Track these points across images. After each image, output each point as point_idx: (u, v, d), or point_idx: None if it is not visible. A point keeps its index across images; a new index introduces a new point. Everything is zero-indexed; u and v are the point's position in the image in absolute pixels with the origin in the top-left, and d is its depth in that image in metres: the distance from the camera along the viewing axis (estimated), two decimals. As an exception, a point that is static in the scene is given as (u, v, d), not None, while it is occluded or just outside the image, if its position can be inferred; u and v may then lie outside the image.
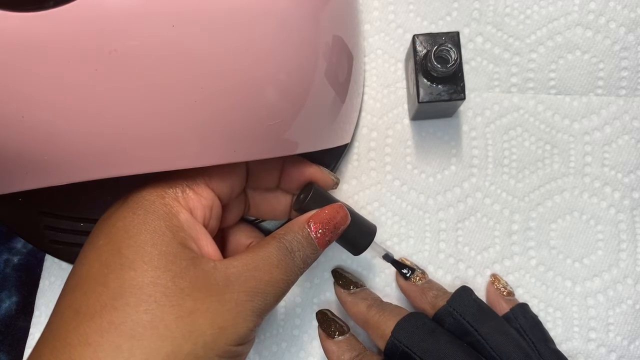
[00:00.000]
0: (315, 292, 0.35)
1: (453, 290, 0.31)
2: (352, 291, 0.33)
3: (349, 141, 0.34)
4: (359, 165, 0.36)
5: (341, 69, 0.28)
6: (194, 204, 0.24)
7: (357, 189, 0.36)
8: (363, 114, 0.37)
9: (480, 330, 0.29)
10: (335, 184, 0.30)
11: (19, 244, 0.38)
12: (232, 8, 0.21)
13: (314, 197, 0.27)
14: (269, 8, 0.22)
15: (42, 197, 0.26)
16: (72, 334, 0.20)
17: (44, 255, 0.37)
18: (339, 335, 0.31)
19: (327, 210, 0.26)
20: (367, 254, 0.30)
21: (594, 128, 0.36)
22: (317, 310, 0.34)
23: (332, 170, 0.34)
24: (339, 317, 0.33)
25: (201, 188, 0.25)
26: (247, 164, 0.28)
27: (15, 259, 0.37)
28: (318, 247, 0.26)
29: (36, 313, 0.36)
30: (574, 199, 0.35)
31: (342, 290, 0.33)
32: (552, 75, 0.36)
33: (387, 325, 0.29)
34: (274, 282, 0.23)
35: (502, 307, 0.32)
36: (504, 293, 0.33)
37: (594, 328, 0.34)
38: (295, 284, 0.25)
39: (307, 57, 0.25)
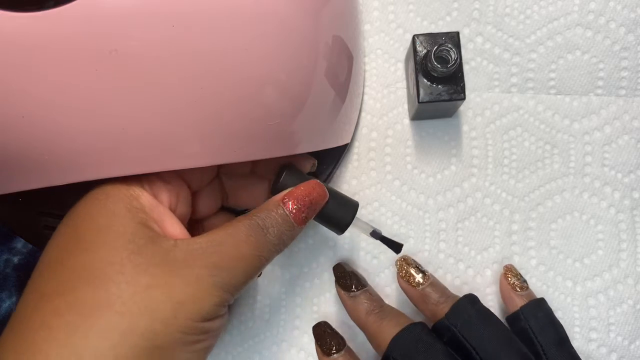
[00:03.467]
0: (315, 292, 0.35)
1: (452, 290, 0.31)
2: (351, 294, 0.32)
3: (349, 141, 0.34)
4: (359, 165, 0.36)
5: (341, 69, 0.28)
6: (159, 189, 0.24)
7: (357, 189, 0.36)
8: (363, 114, 0.37)
9: (478, 347, 0.28)
10: (313, 165, 0.30)
11: (19, 244, 0.38)
12: (232, 8, 0.21)
13: (288, 176, 0.27)
14: (269, 8, 0.22)
15: (42, 197, 0.26)
16: (32, 317, 0.20)
17: (44, 256, 0.37)
18: (336, 352, 0.31)
19: (302, 186, 0.26)
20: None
21: (594, 128, 0.36)
22: (314, 324, 0.33)
23: (332, 170, 0.34)
24: (336, 330, 0.33)
25: (169, 175, 0.25)
26: None
27: (15, 259, 0.37)
28: (294, 224, 0.25)
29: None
30: (574, 198, 0.35)
31: (342, 291, 0.32)
32: (552, 75, 0.36)
33: (384, 338, 0.29)
34: (242, 257, 0.23)
35: (514, 304, 0.31)
36: (517, 288, 0.32)
37: (594, 328, 0.34)
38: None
39: (307, 57, 0.25)
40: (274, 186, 0.27)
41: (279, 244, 0.25)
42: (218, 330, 0.23)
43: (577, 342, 0.34)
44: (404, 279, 0.32)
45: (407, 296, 0.32)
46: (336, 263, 0.34)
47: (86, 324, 0.19)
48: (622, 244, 0.35)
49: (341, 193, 0.28)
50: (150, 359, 0.20)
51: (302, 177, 0.27)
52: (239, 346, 0.35)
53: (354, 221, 0.28)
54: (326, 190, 0.27)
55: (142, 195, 0.23)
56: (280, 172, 0.28)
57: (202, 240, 0.22)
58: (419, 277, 0.31)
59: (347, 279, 0.32)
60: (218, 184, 0.29)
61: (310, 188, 0.26)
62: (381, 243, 0.30)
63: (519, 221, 0.35)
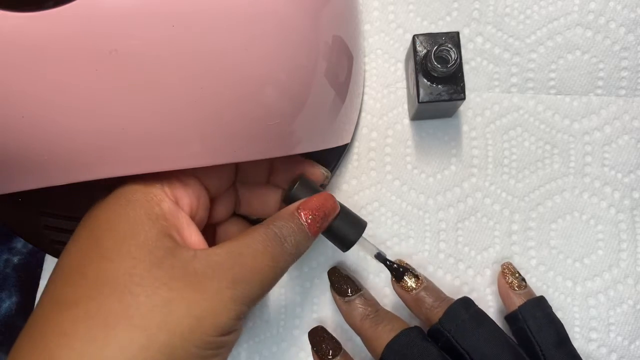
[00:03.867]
0: (315, 292, 0.35)
1: (452, 290, 0.31)
2: (346, 299, 0.32)
3: (349, 141, 0.34)
4: (359, 165, 0.36)
5: (341, 69, 0.28)
6: (180, 194, 0.24)
7: (357, 189, 0.36)
8: (363, 114, 0.37)
9: (472, 352, 0.28)
10: (326, 178, 0.30)
11: (19, 244, 0.38)
12: (232, 8, 0.21)
13: (301, 187, 0.27)
14: (269, 8, 0.22)
15: (42, 197, 0.26)
16: (50, 324, 0.20)
17: (44, 255, 0.37)
18: (332, 356, 0.31)
19: (315, 198, 0.26)
20: (359, 252, 0.30)
21: (594, 128, 0.36)
22: (309, 330, 0.33)
23: (332, 171, 0.34)
24: (332, 335, 0.33)
25: (188, 178, 0.24)
26: None
27: (15, 259, 0.37)
28: (309, 234, 0.25)
29: (36, 313, 0.36)
30: (574, 198, 0.35)
31: (337, 296, 0.32)
32: (552, 75, 0.36)
33: (379, 343, 0.29)
34: (259, 269, 0.23)
35: (512, 303, 0.31)
36: (515, 286, 0.32)
37: (594, 328, 0.34)
38: (287, 272, 0.25)
39: (307, 57, 0.25)
40: (286, 195, 0.28)
41: (295, 254, 0.25)
42: (233, 343, 0.23)
43: (577, 342, 0.34)
44: (397, 283, 0.32)
45: (402, 300, 0.32)
46: (330, 267, 0.34)
47: (104, 335, 0.19)
48: (622, 244, 0.35)
49: (351, 211, 0.28)
50: None
51: (314, 189, 0.28)
52: (239, 346, 0.35)
53: (360, 240, 0.29)
54: (337, 203, 0.27)
55: (164, 201, 0.23)
56: (293, 182, 0.28)
57: (220, 252, 0.22)
58: (411, 282, 0.31)
59: (342, 283, 0.32)
60: (233, 191, 0.29)
61: (323, 199, 0.26)
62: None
63: (519, 221, 0.35)
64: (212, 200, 0.27)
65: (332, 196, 0.27)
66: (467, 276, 0.35)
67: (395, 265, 0.31)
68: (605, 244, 0.35)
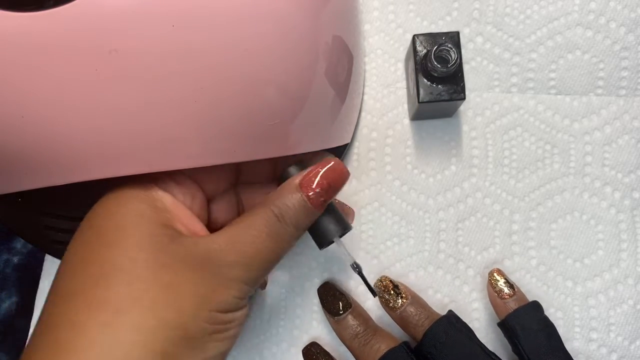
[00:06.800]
0: (315, 292, 0.35)
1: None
2: (336, 319, 0.32)
3: (349, 141, 0.34)
4: (359, 165, 0.36)
5: (341, 69, 0.28)
6: (176, 191, 0.24)
7: (357, 189, 0.36)
8: (363, 114, 0.37)
9: None
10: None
11: (19, 244, 0.38)
12: (232, 8, 0.21)
13: (299, 165, 0.26)
14: (269, 8, 0.22)
15: (42, 197, 0.26)
16: (58, 316, 0.20)
17: (44, 255, 0.37)
18: None
19: (320, 167, 0.25)
20: (354, 233, 0.28)
21: (594, 128, 0.36)
22: (303, 349, 0.33)
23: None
24: (325, 350, 0.33)
25: (180, 177, 0.25)
26: None
27: (15, 259, 0.37)
28: (313, 209, 0.24)
29: (36, 313, 0.36)
30: (574, 198, 0.35)
31: (328, 314, 0.33)
32: (552, 75, 0.36)
33: None
34: (259, 252, 0.23)
35: (501, 312, 0.31)
36: (504, 295, 0.31)
37: (595, 328, 0.34)
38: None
39: (307, 57, 0.25)
40: (282, 175, 0.27)
41: (296, 232, 0.24)
42: (242, 319, 0.24)
43: (578, 342, 0.34)
44: (383, 302, 0.32)
45: (390, 317, 0.32)
46: (320, 285, 0.34)
47: (116, 319, 0.20)
48: (622, 244, 0.35)
49: (338, 210, 0.27)
50: (184, 349, 0.21)
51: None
52: (240, 346, 0.35)
53: (339, 245, 0.27)
54: (347, 169, 0.26)
55: (165, 196, 0.23)
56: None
57: (220, 240, 0.23)
58: (393, 302, 0.31)
59: (332, 302, 0.32)
60: (234, 196, 0.29)
61: (328, 169, 0.25)
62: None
63: (519, 221, 0.35)
64: (212, 203, 0.27)
65: (340, 162, 0.25)
66: (467, 276, 0.35)
67: (368, 283, 0.29)
68: (605, 244, 0.35)
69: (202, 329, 0.21)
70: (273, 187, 0.29)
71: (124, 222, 0.22)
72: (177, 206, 0.24)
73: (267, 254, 0.23)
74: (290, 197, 0.24)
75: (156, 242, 0.21)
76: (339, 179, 0.25)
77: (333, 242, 0.27)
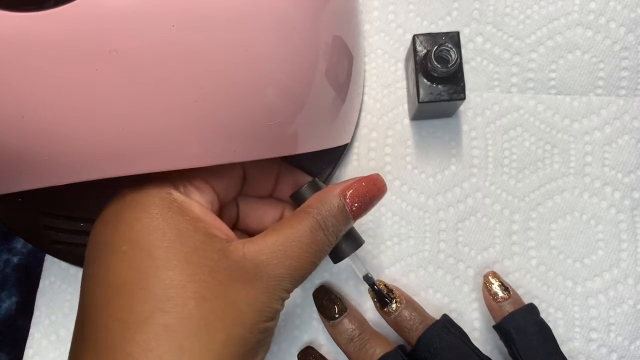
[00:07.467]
0: (315, 292, 0.35)
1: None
2: (331, 323, 0.32)
3: (349, 141, 0.34)
4: (359, 165, 0.36)
5: (341, 69, 0.28)
6: (198, 198, 0.24)
7: (357, 189, 0.36)
8: (363, 114, 0.37)
9: None
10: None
11: (19, 244, 0.38)
12: (232, 8, 0.21)
13: (313, 184, 0.27)
14: (269, 8, 0.22)
15: (42, 197, 0.26)
16: (129, 344, 0.20)
17: (44, 255, 0.37)
18: None
19: (363, 180, 0.25)
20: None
21: (594, 128, 0.36)
22: (299, 353, 0.34)
23: (332, 170, 0.34)
24: (321, 355, 0.33)
25: (201, 184, 0.25)
26: (244, 169, 0.27)
27: (15, 259, 0.37)
28: (352, 219, 0.25)
29: (36, 313, 0.36)
30: (574, 198, 0.35)
31: (324, 319, 0.33)
32: (552, 75, 0.36)
33: None
34: (304, 267, 0.24)
35: (496, 315, 0.31)
36: (499, 298, 0.31)
37: (595, 328, 0.34)
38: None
39: (307, 57, 0.25)
40: (295, 193, 0.27)
41: (335, 242, 0.25)
42: (276, 324, 0.25)
43: (578, 342, 0.34)
44: (377, 307, 0.32)
45: (385, 321, 0.32)
46: (315, 289, 0.34)
47: (188, 342, 0.20)
48: (622, 244, 0.35)
49: (353, 227, 0.28)
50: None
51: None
52: (239, 346, 0.35)
53: (352, 257, 0.28)
54: (385, 184, 0.26)
55: (193, 204, 0.23)
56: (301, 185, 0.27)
57: (266, 250, 0.23)
58: (387, 307, 0.31)
59: (328, 306, 0.33)
60: (234, 206, 0.29)
61: (372, 183, 0.25)
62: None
63: (519, 221, 0.35)
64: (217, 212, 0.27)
65: (381, 177, 0.26)
66: (467, 276, 0.35)
67: (380, 290, 0.31)
68: (605, 244, 0.35)
69: (258, 341, 0.22)
70: (270, 201, 0.29)
71: (168, 240, 0.21)
72: (206, 211, 0.24)
73: (310, 265, 0.24)
74: (336, 207, 0.24)
75: (208, 259, 0.22)
76: (378, 193, 0.26)
77: (344, 258, 0.28)
